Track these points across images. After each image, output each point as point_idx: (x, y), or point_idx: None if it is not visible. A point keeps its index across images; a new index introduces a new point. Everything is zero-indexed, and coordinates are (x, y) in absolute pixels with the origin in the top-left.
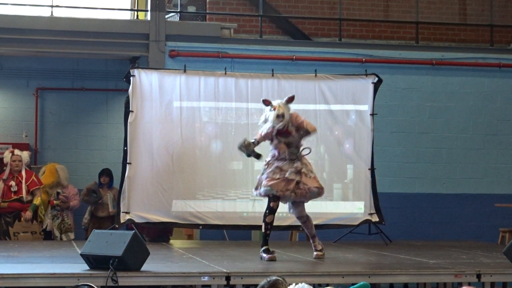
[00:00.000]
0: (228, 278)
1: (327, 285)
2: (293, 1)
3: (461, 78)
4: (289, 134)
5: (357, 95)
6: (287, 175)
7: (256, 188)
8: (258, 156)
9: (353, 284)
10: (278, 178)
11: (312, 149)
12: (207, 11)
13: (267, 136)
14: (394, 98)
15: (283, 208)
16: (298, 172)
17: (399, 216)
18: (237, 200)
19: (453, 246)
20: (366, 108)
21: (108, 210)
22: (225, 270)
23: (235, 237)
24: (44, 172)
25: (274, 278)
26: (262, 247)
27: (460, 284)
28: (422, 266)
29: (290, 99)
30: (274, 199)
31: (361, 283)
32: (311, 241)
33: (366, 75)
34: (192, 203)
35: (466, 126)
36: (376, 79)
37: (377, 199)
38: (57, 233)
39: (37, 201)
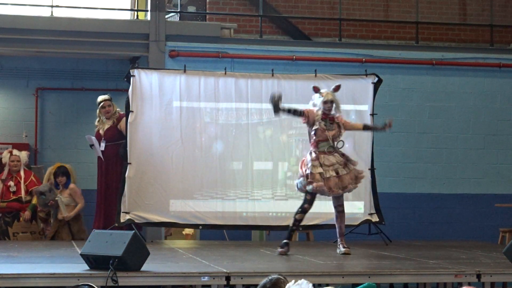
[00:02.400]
0: (228, 278)
1: (327, 285)
2: (293, 1)
3: (461, 78)
4: (332, 122)
5: (357, 95)
6: (333, 173)
7: (305, 183)
8: (277, 109)
9: (353, 285)
10: (327, 177)
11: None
12: (207, 11)
13: (311, 114)
14: (394, 98)
15: (283, 208)
16: (345, 165)
17: (399, 216)
18: (236, 200)
19: (453, 246)
20: (366, 108)
21: (70, 212)
22: (225, 270)
23: (235, 237)
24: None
25: (275, 276)
26: (285, 239)
27: (460, 284)
28: (422, 266)
29: (337, 88)
30: (311, 198)
31: (366, 284)
32: (338, 237)
33: (366, 75)
34: (192, 203)
35: (466, 126)
36: (376, 79)
37: (377, 199)
38: None
39: (35, 201)
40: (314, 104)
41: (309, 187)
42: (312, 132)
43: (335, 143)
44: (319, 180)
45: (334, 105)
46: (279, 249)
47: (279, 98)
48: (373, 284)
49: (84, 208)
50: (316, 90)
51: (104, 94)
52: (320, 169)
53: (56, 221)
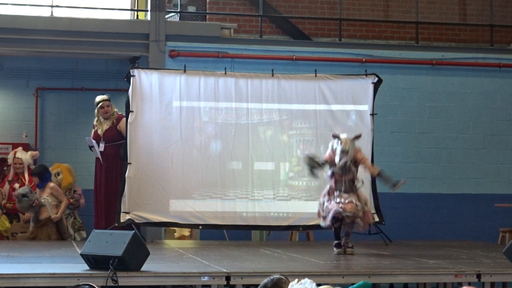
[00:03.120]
0: (228, 278)
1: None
2: (293, 1)
3: (461, 78)
4: (349, 171)
5: (357, 95)
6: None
7: (323, 217)
8: (314, 167)
9: (352, 284)
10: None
11: (313, 149)
12: (207, 11)
13: (330, 159)
14: (394, 98)
15: (284, 208)
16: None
17: (399, 216)
18: (236, 200)
19: (453, 246)
20: (366, 108)
21: (47, 212)
22: (225, 270)
23: (235, 237)
24: (59, 174)
25: (277, 276)
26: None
27: (460, 284)
28: (422, 266)
29: (357, 137)
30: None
31: (362, 282)
32: (344, 237)
33: (366, 75)
34: (192, 203)
35: (466, 126)
36: (376, 79)
37: (377, 199)
38: (71, 231)
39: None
40: (334, 150)
41: (322, 224)
42: (329, 172)
43: (356, 182)
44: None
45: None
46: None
47: (313, 160)
48: (368, 283)
49: (67, 207)
50: (335, 136)
51: (103, 94)
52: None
53: (38, 223)
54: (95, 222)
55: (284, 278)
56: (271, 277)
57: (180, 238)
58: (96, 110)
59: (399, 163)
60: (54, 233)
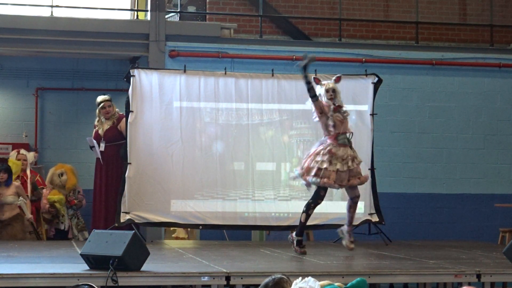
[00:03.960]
0: (228, 278)
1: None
2: (293, 1)
3: (461, 78)
4: (345, 112)
5: (357, 95)
6: (344, 167)
7: (303, 173)
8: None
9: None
10: (334, 171)
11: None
12: (207, 11)
13: (321, 107)
14: (394, 98)
15: (285, 208)
16: (354, 159)
17: (399, 216)
18: (237, 201)
19: (453, 246)
20: (366, 108)
21: (11, 211)
22: (225, 270)
23: (235, 237)
24: (62, 175)
25: (279, 276)
26: (297, 236)
27: (460, 284)
28: (422, 266)
29: (338, 78)
30: (323, 190)
31: (358, 279)
32: (347, 226)
33: (366, 75)
34: (192, 203)
35: (466, 126)
36: (376, 79)
37: (377, 199)
38: (75, 231)
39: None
40: (319, 95)
41: (313, 180)
42: (331, 124)
43: (348, 134)
44: (331, 176)
45: (336, 93)
46: (299, 250)
47: (313, 59)
48: (363, 279)
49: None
50: (317, 81)
51: (103, 94)
52: (337, 166)
53: (1, 223)
54: (92, 222)
55: (285, 277)
56: (273, 277)
57: (176, 238)
58: (97, 110)
59: (399, 163)
60: (19, 232)
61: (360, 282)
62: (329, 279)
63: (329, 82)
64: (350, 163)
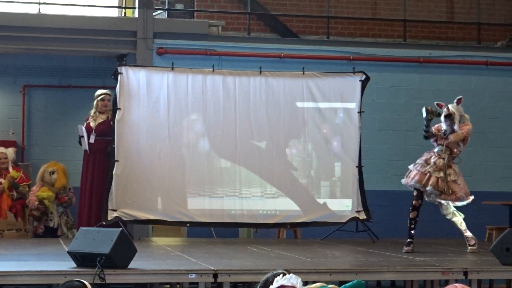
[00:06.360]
0: (215, 275)
1: (314, 282)
2: None
3: (448, 76)
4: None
5: (345, 93)
6: (427, 168)
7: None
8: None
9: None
10: (420, 172)
11: (301, 147)
12: (195, 9)
13: (437, 132)
14: (382, 96)
15: (272, 206)
16: (440, 170)
17: (387, 214)
18: (224, 198)
19: (440, 243)
20: (353, 106)
21: None
22: (212, 268)
23: (223, 234)
24: (53, 173)
25: (280, 271)
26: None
27: (447, 281)
28: (409, 264)
29: (459, 101)
30: (417, 195)
31: (355, 281)
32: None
33: (354, 72)
34: (180, 200)
35: None
36: (364, 77)
37: (365, 196)
38: (65, 229)
39: (24, 189)
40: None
41: (411, 182)
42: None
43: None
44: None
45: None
46: (405, 248)
47: (435, 114)
48: (362, 281)
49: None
50: (440, 106)
51: (92, 91)
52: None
53: None
54: (78, 216)
55: (286, 273)
56: (274, 272)
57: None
58: (95, 102)
59: (386, 161)
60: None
61: (357, 284)
62: (316, 277)
63: (450, 107)
64: (432, 170)
